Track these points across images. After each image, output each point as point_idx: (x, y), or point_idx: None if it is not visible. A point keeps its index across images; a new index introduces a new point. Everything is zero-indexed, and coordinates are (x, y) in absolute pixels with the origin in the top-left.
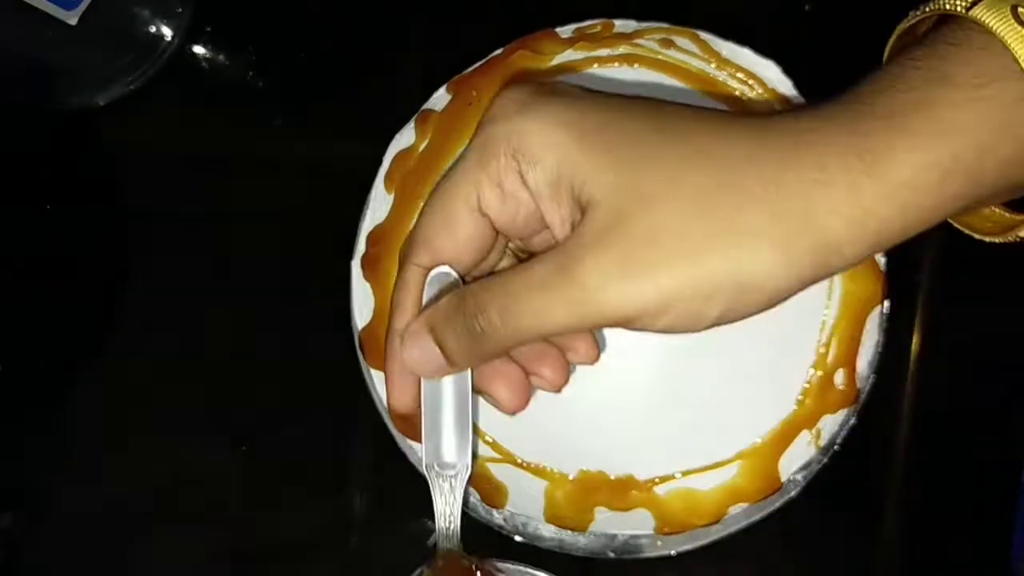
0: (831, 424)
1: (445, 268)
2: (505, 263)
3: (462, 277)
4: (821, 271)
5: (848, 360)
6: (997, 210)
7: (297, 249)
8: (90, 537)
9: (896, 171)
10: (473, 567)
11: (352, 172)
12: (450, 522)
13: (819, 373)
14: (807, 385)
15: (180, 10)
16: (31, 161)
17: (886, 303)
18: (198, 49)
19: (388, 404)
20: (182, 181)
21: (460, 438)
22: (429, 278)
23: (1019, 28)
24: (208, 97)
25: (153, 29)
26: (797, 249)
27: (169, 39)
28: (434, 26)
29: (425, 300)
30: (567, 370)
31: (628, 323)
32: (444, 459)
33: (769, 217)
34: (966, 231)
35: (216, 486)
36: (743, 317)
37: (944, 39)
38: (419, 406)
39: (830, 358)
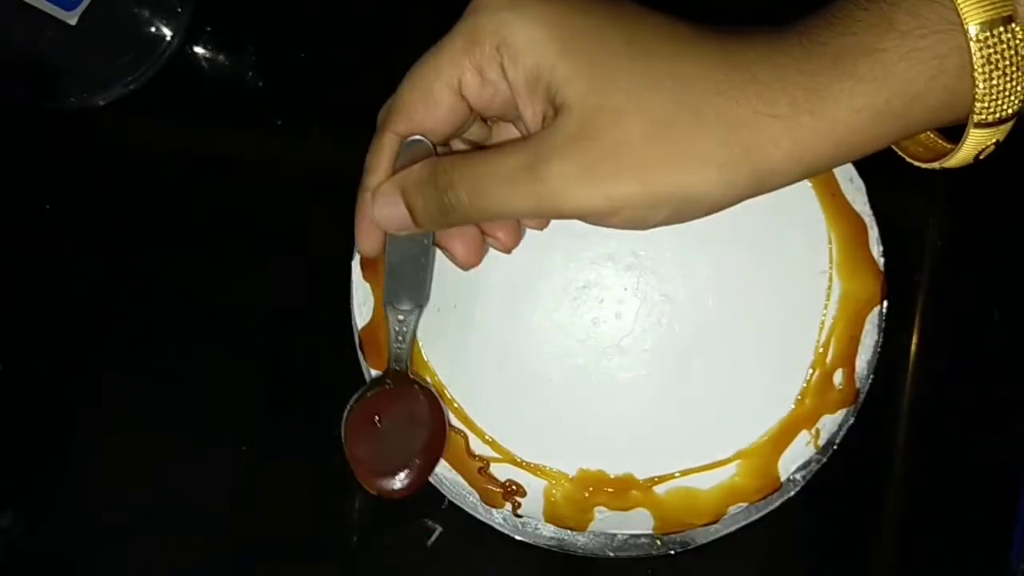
0: (830, 424)
1: (419, 136)
2: (474, 129)
3: (434, 145)
4: (756, 191)
5: (847, 360)
6: (932, 135)
7: (297, 249)
8: (90, 537)
9: (835, 111)
10: (417, 387)
11: (352, 172)
12: (401, 348)
13: (818, 373)
14: (806, 385)
15: (180, 10)
16: (31, 161)
17: (885, 303)
18: (198, 49)
19: (357, 247)
20: (182, 181)
21: (418, 281)
22: (404, 144)
23: None
24: (208, 97)
25: (153, 29)
26: (738, 173)
27: (169, 39)
28: (434, 26)
29: (399, 163)
30: (519, 234)
31: (582, 218)
32: (402, 300)
33: (717, 143)
34: (899, 152)
35: (216, 486)
36: (682, 222)
37: None
38: (383, 252)
39: (829, 358)
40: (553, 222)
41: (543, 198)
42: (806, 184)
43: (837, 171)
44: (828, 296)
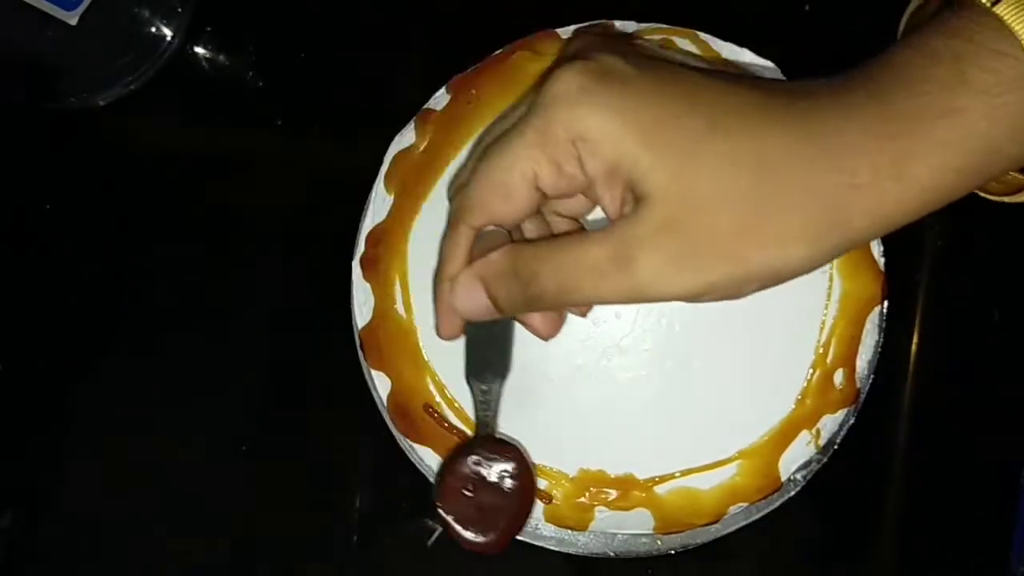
0: (831, 424)
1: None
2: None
3: (509, 232)
4: (838, 255)
5: (847, 360)
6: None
7: (297, 249)
8: (90, 537)
9: (916, 173)
10: (507, 448)
11: (352, 172)
12: (487, 415)
13: (819, 373)
14: (806, 385)
15: (180, 10)
16: (31, 161)
17: (885, 303)
18: (198, 49)
19: (437, 332)
20: (182, 181)
21: (499, 354)
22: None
23: None
24: (208, 97)
25: (153, 29)
26: (826, 244)
27: (169, 39)
28: (434, 26)
29: (475, 250)
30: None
31: (673, 300)
32: (485, 374)
33: (804, 220)
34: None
35: (216, 486)
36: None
37: (961, 32)
38: (463, 334)
39: (830, 358)
40: None
41: (632, 289)
42: None
43: None
44: (828, 296)
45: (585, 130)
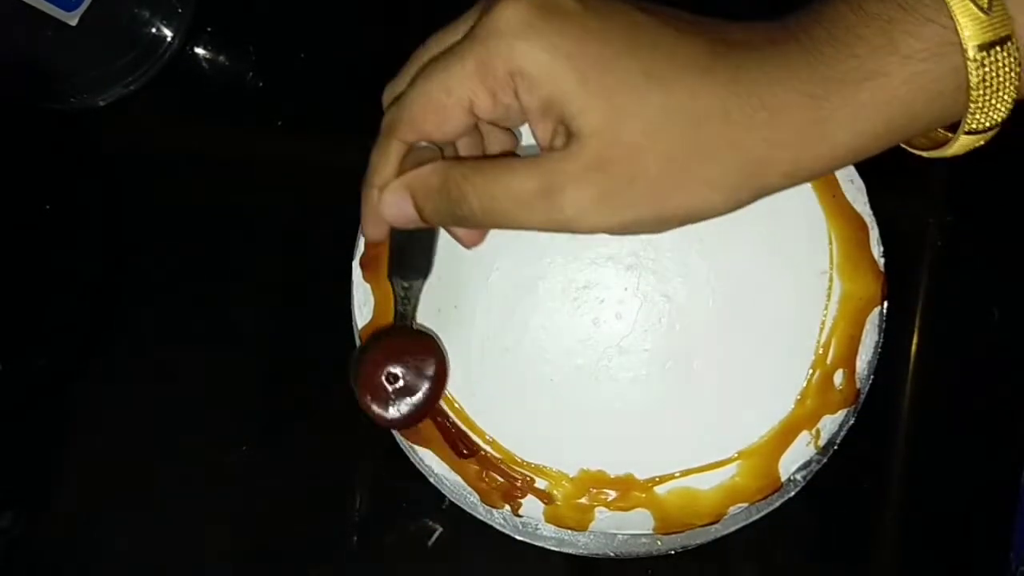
0: (830, 424)
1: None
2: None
3: (440, 148)
4: (753, 202)
5: (847, 360)
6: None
7: (297, 249)
8: (90, 537)
9: (837, 136)
10: (422, 335)
11: (352, 172)
12: (407, 308)
13: (818, 373)
14: (806, 385)
15: (180, 10)
16: (31, 161)
17: (885, 303)
18: (198, 49)
19: (362, 233)
20: (182, 181)
21: (422, 258)
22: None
23: (969, 3)
24: (208, 97)
25: (153, 30)
26: (742, 195)
27: (169, 39)
28: (434, 26)
29: (405, 164)
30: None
31: (591, 234)
32: (407, 274)
33: (727, 171)
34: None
35: (216, 486)
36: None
37: None
38: (388, 238)
39: (829, 358)
40: None
41: (557, 221)
42: (806, 185)
43: (838, 172)
44: (828, 296)
45: (524, 65)
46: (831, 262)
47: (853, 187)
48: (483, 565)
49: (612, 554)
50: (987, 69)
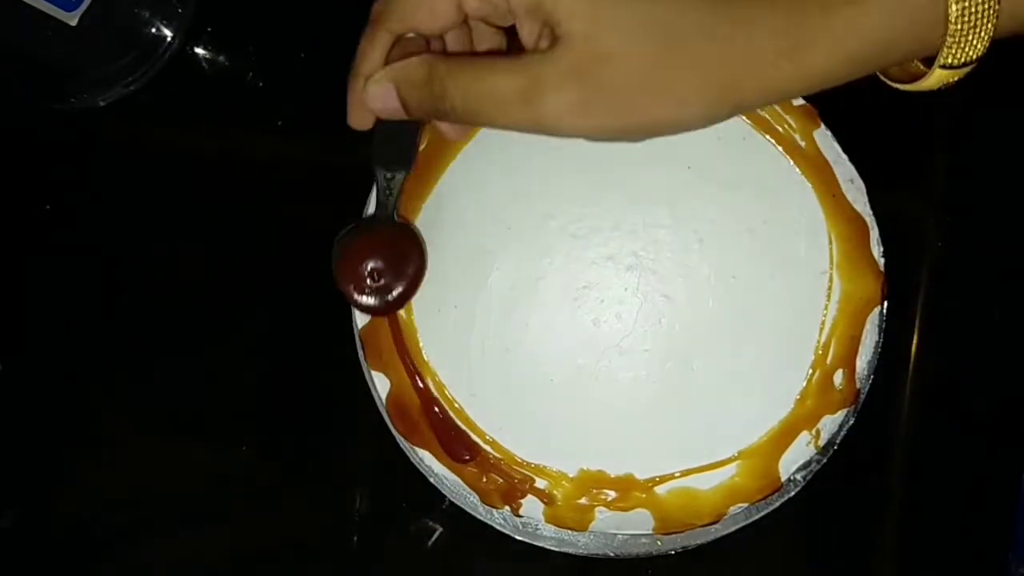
0: (830, 424)
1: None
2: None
3: (427, 40)
4: (728, 117)
5: (847, 360)
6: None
7: (297, 249)
8: (90, 537)
9: (813, 59)
10: (402, 225)
11: (352, 172)
12: (389, 200)
13: (818, 373)
14: (806, 385)
15: (180, 10)
16: (31, 161)
17: (885, 303)
18: (198, 49)
19: (348, 121)
20: (182, 181)
21: (405, 149)
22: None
23: None
24: (208, 97)
25: (153, 29)
26: (717, 110)
27: (169, 39)
28: None
29: (392, 54)
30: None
31: (569, 137)
32: (390, 164)
33: (704, 85)
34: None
35: (216, 486)
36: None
37: None
38: (373, 126)
39: (829, 358)
40: (552, 222)
41: (536, 122)
42: (806, 185)
43: (837, 171)
44: (828, 296)
45: None
46: (831, 262)
47: (853, 187)
48: (483, 565)
49: (612, 554)
50: (967, 3)
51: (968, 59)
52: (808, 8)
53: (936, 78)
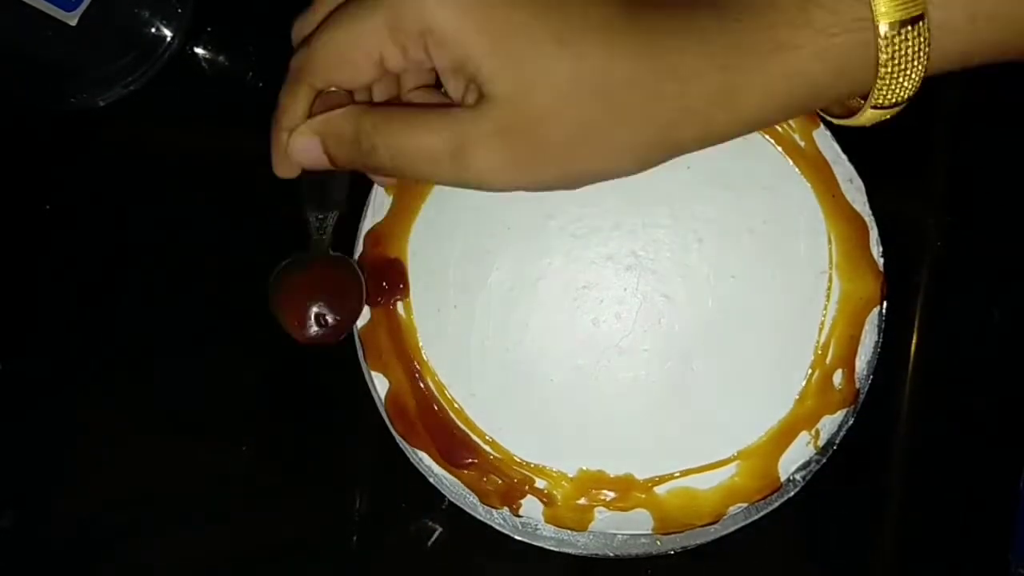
0: (830, 424)
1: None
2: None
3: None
4: (662, 163)
5: (847, 360)
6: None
7: (297, 249)
8: (89, 537)
9: (746, 103)
10: (337, 260)
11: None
12: (322, 239)
13: (818, 373)
14: (806, 385)
15: (180, 10)
16: (31, 161)
17: (885, 303)
18: (198, 49)
19: (273, 170)
20: (182, 181)
21: (335, 193)
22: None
23: None
24: (208, 97)
25: (153, 29)
26: (652, 159)
27: (169, 39)
28: None
29: (315, 107)
30: None
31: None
32: (321, 208)
33: (633, 138)
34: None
35: (216, 486)
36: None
37: None
38: (298, 175)
39: (829, 358)
40: (552, 222)
41: (466, 181)
42: (806, 184)
43: (837, 171)
44: (828, 296)
45: (434, 26)
46: (830, 262)
47: (853, 187)
48: (483, 565)
49: (612, 554)
50: (896, 47)
51: (899, 99)
52: (741, 53)
53: (868, 116)
